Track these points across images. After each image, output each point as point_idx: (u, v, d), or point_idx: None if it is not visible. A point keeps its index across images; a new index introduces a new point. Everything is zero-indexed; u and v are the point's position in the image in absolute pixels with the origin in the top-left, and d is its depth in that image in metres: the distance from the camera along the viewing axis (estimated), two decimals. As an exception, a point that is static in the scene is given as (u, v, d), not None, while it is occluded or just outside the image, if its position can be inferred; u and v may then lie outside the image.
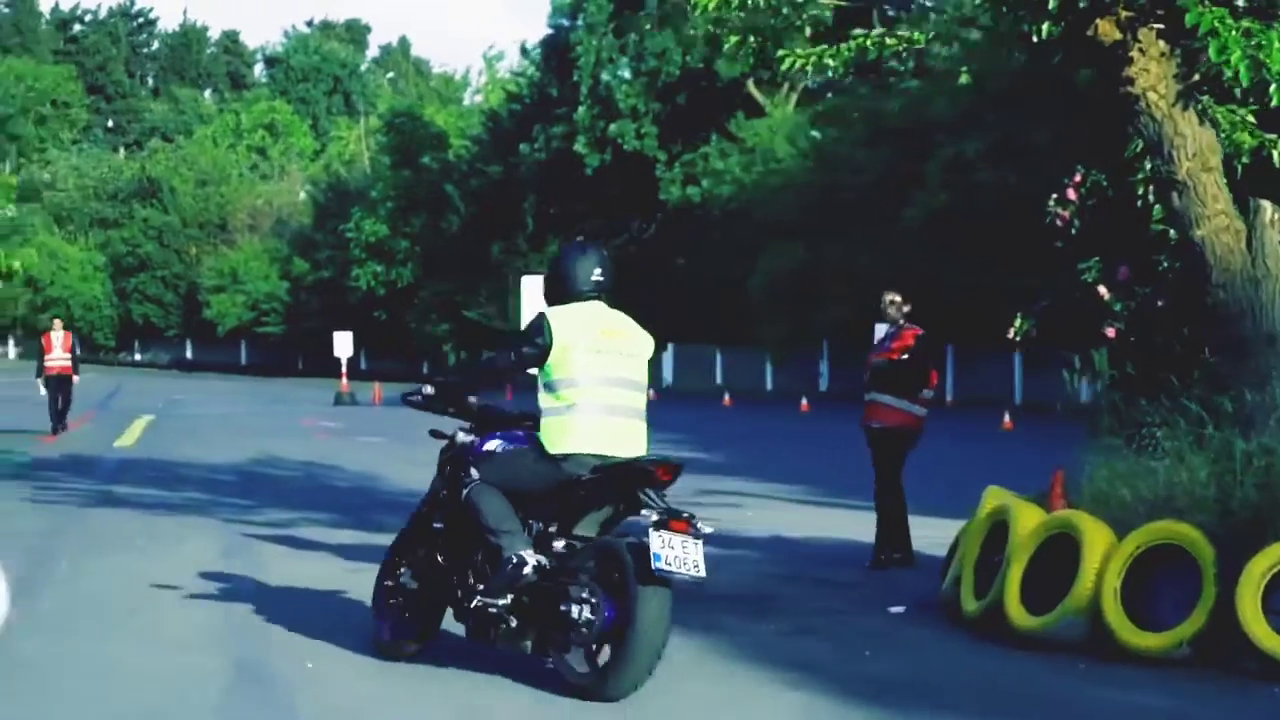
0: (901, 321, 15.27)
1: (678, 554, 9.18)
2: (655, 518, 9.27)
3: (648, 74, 66.36)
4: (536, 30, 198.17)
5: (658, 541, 9.15)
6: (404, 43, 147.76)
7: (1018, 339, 13.15)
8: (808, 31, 11.87)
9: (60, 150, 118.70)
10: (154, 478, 24.06)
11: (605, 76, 67.75)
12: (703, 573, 9.23)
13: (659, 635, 9.27)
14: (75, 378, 33.74)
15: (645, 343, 10.00)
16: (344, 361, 53.87)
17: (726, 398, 52.56)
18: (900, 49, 11.33)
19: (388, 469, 25.19)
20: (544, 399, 9.79)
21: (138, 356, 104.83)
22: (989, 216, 44.87)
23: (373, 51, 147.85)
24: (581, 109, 67.55)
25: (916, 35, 11.34)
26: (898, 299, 15.25)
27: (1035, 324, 13.08)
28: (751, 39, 11.87)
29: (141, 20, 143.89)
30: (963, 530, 12.60)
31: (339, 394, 52.54)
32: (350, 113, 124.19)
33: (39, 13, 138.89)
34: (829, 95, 64.89)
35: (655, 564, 9.10)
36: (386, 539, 11.60)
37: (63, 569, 14.82)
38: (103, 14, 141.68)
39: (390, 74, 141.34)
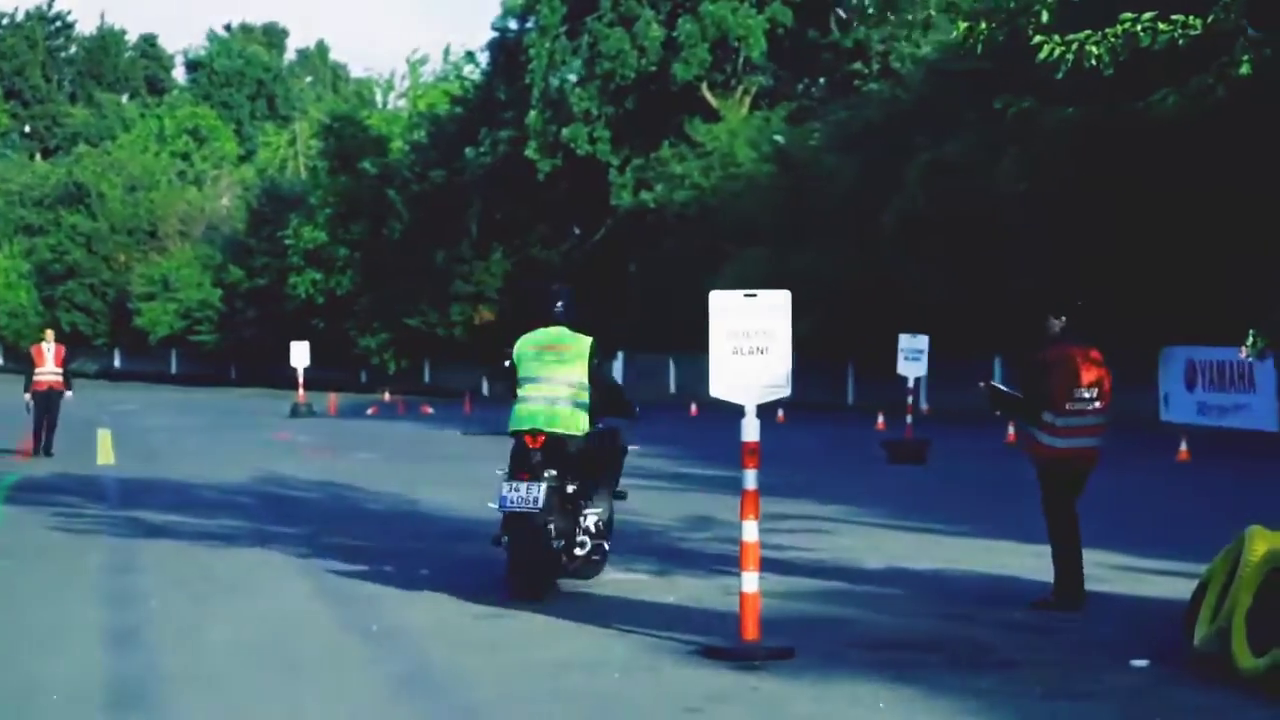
0: (1058, 336, 13.88)
1: (520, 494, 13.47)
2: (501, 470, 13.83)
3: (600, 77, 64.81)
4: (458, 35, 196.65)
5: (504, 487, 13.58)
6: (322, 47, 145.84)
7: (1249, 360, 11.94)
8: (1044, 16, 10.61)
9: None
10: (171, 502, 22.61)
11: (555, 80, 66.18)
12: (538, 506, 13.36)
13: (523, 553, 13.53)
14: (68, 393, 32.20)
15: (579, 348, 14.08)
16: (300, 372, 52.18)
17: (693, 407, 50.94)
18: (1175, 34, 10.08)
19: (416, 490, 23.85)
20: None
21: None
22: (971, 220, 43.77)
23: (290, 55, 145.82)
24: (533, 113, 65.83)
25: (1193, 20, 10.11)
26: (1053, 317, 13.81)
27: (1271, 339, 11.78)
28: (983, 24, 10.63)
29: (59, 24, 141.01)
30: (1209, 575, 11.30)
31: (296, 405, 50.73)
32: (274, 117, 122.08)
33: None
34: (787, 101, 64.01)
35: (502, 502, 13.55)
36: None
37: (153, 607, 13.53)
38: (19, 17, 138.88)
39: (309, 78, 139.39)
